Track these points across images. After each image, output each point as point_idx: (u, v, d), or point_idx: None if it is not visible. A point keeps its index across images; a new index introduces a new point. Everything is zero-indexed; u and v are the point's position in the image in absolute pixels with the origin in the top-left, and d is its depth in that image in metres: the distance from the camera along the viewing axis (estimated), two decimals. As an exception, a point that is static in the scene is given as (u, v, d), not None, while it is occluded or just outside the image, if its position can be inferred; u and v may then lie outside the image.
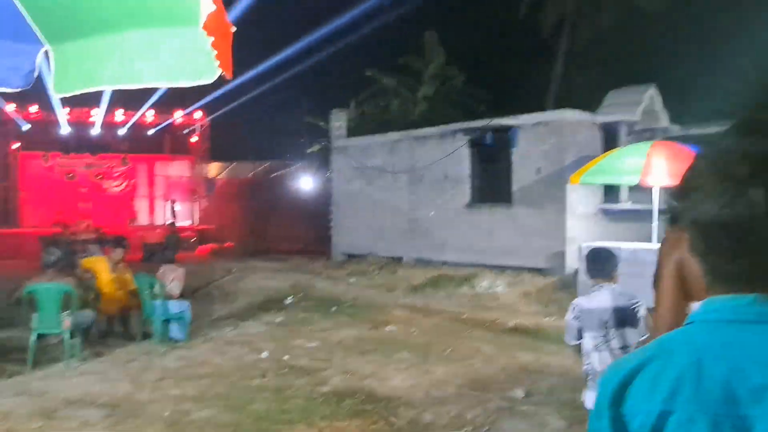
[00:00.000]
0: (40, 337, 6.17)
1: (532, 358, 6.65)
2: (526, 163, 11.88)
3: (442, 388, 5.47)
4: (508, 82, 20.05)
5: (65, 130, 22.20)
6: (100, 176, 18.10)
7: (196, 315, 8.88)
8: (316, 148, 20.63)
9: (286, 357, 6.61)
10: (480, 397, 5.24)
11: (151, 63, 2.08)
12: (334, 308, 9.55)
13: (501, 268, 11.73)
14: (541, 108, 15.05)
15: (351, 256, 15.37)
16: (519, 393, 5.34)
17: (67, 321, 6.11)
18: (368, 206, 15.18)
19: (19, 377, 5.77)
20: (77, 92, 2.29)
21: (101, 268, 7.46)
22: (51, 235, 17.21)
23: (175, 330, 7.31)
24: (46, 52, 2.30)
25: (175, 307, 7.11)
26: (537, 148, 11.75)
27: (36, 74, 2.44)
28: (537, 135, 11.79)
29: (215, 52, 1.81)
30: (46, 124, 23.26)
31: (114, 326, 7.80)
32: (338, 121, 16.63)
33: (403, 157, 14.43)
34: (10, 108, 22.28)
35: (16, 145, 23.17)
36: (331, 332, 7.90)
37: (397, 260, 13.97)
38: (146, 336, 7.21)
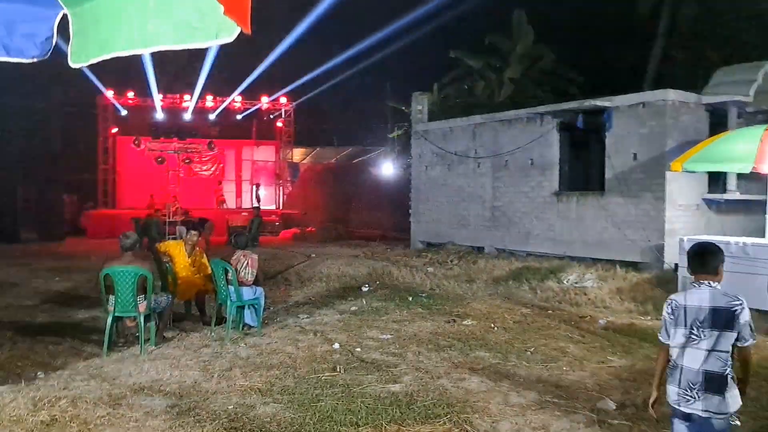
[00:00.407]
0: (117, 319, 6.22)
1: (625, 363, 6.02)
2: (621, 148, 10.98)
3: (523, 394, 5.00)
4: (602, 61, 18.81)
5: (159, 115, 23.13)
6: (188, 160, 18.60)
7: (272, 300, 8.89)
8: (397, 133, 20.31)
9: (357, 350, 6.34)
10: (565, 406, 4.73)
11: (165, 23, 1.80)
12: (410, 298, 9.22)
13: (591, 261, 10.96)
14: (639, 89, 13.93)
15: (430, 245, 14.98)
16: (610, 404, 4.78)
17: (142, 304, 6.11)
18: (449, 193, 14.69)
19: (95, 360, 5.83)
20: (93, 61, 2.06)
21: (178, 252, 7.47)
22: (143, 216, 17.93)
23: (248, 316, 7.22)
24: (63, 17, 2.06)
25: (248, 293, 7.00)
26: (634, 131, 10.82)
27: (54, 41, 2.23)
28: (634, 117, 10.86)
29: (225, 8, 1.49)
30: (141, 109, 24.36)
31: (190, 310, 7.85)
32: (419, 104, 16.18)
33: (486, 141, 13.81)
34: (110, 94, 23.47)
35: (114, 130, 24.42)
36: (405, 324, 7.57)
37: (478, 250, 13.44)
38: (221, 321, 7.16)
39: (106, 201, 24.16)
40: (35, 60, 2.33)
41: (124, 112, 23.86)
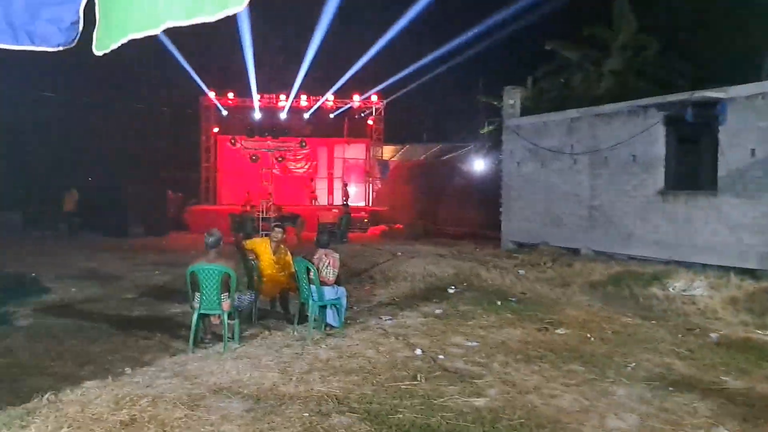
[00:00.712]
0: (203, 316, 6.31)
1: (742, 385, 5.35)
2: (736, 144, 9.97)
3: (623, 417, 4.53)
4: (714, 49, 17.27)
5: (257, 115, 23.88)
6: (281, 158, 19.00)
7: (356, 299, 8.78)
8: (488, 128, 19.72)
9: (440, 357, 6.06)
10: (671, 433, 4.23)
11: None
12: (499, 302, 8.80)
13: (700, 267, 10.04)
14: (757, 78, 12.62)
15: (521, 245, 14.38)
16: (725, 434, 4.22)
17: (226, 302, 6.15)
18: (542, 191, 14.03)
19: (181, 356, 5.92)
20: (114, 47, 1.93)
21: (263, 249, 7.50)
22: (239, 212, 18.53)
23: (330, 316, 7.12)
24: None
25: (330, 293, 6.90)
26: (752, 125, 9.79)
27: (80, 27, 2.11)
28: (753, 109, 9.81)
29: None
30: (240, 109, 25.28)
31: (275, 307, 7.88)
32: (511, 99, 15.58)
33: (583, 136, 13.05)
34: (212, 95, 24.53)
35: (215, 130, 25.50)
36: (493, 330, 7.19)
37: (574, 252, 12.73)
38: (304, 319, 7.11)
39: (207, 198, 25.29)
40: (60, 48, 2.23)
41: (224, 113, 24.85)
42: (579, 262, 11.45)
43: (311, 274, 6.77)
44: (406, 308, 8.38)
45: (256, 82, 22.46)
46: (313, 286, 6.78)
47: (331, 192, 27.36)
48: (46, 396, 4.48)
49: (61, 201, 19.52)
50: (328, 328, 7.06)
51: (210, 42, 25.82)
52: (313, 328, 6.81)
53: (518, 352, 6.27)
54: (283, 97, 24.68)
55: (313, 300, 6.79)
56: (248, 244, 7.73)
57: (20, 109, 23.11)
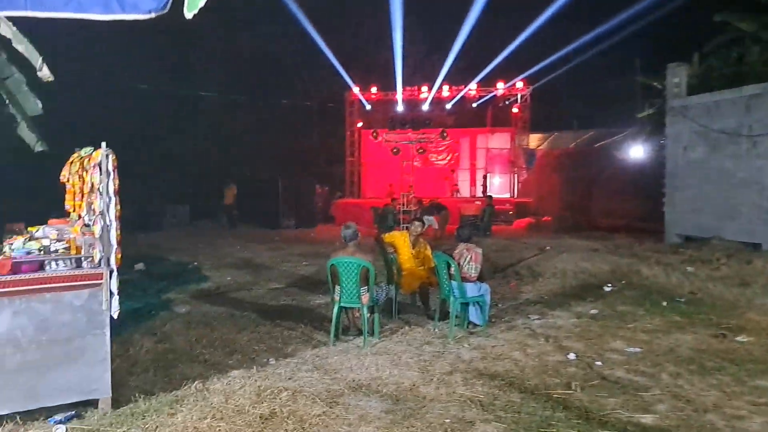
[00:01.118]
0: (344, 309, 6.24)
1: None
2: None
3: (835, 452, 3.68)
4: None
5: (399, 108, 24.00)
6: (422, 150, 18.83)
7: (500, 296, 8.31)
8: (648, 111, 18.00)
9: (597, 363, 5.44)
10: None
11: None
12: (664, 303, 7.85)
13: None
14: None
15: (689, 239, 12.89)
16: None
17: (365, 296, 6.02)
18: (714, 178, 12.46)
19: (323, 349, 5.88)
20: (200, 6, 1.71)
21: (402, 243, 7.31)
22: (382, 205, 18.70)
23: (473, 313, 6.75)
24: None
25: (472, 289, 6.52)
26: None
27: None
28: None
29: None
30: (383, 103, 25.58)
31: (415, 302, 7.66)
32: (676, 77, 14.03)
33: (764, 116, 11.35)
34: (356, 90, 25.08)
35: (359, 124, 26.06)
36: (659, 335, 6.37)
37: (754, 247, 11.13)
38: (445, 315, 6.82)
39: (352, 191, 25.95)
40: (152, 15, 2.08)
41: (368, 107, 25.30)
42: (761, 259, 9.94)
43: (452, 269, 6.44)
44: (556, 307, 7.75)
45: (402, 74, 22.60)
46: (454, 282, 6.44)
47: (473, 183, 26.77)
48: (195, 384, 4.60)
49: (222, 195, 21.01)
50: (470, 326, 6.70)
51: (355, 37, 26.46)
52: (455, 325, 6.48)
53: (691, 362, 5.46)
54: (424, 88, 24.56)
55: (454, 297, 6.46)
56: (387, 237, 7.56)
57: (187, 110, 25.32)
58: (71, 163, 4.85)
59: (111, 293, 4.13)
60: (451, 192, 24.94)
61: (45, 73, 5.32)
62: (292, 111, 28.06)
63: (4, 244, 4.44)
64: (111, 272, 4.12)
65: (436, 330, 6.59)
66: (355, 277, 5.95)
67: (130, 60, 22.64)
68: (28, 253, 4.24)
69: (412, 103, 24.89)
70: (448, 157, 26.25)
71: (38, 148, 6.33)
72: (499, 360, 5.57)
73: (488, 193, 21.55)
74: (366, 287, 6.02)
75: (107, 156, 4.02)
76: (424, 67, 26.98)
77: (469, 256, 6.58)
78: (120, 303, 7.74)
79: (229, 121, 26.32)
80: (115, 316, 4.19)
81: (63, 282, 3.96)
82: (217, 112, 26.05)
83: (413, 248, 7.28)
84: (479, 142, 27.12)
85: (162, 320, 6.80)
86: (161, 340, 5.98)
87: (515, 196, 25.08)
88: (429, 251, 7.29)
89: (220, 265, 11.33)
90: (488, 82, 24.60)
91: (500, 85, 24.50)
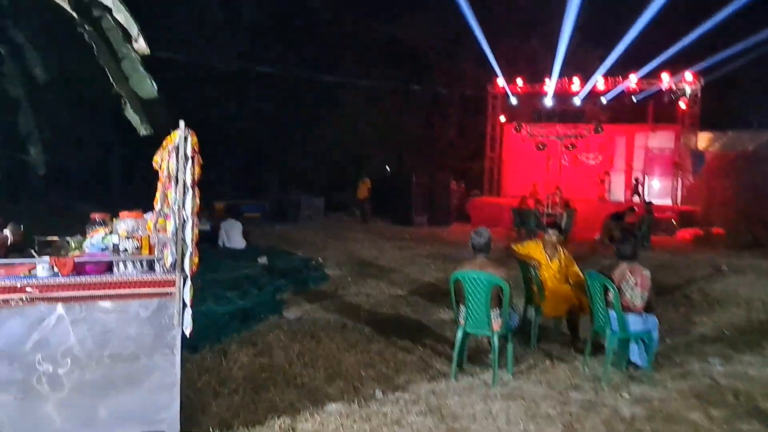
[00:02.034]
0: (469, 335, 5.16)
1: None
2: None
3: None
4: None
5: (548, 101, 22.18)
6: (572, 146, 17.02)
7: (667, 327, 6.70)
8: None
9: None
10: None
11: None
12: None
13: None
14: None
15: None
16: None
17: (497, 321, 4.90)
18: None
19: (441, 382, 4.84)
20: None
21: (539, 255, 6.06)
22: (523, 206, 17.21)
23: (635, 351, 5.35)
24: None
25: (636, 322, 5.13)
26: None
27: None
28: None
29: None
30: (529, 96, 23.86)
31: (559, 328, 6.36)
32: None
33: None
34: (500, 82, 23.63)
35: (502, 119, 24.55)
36: None
37: None
38: (598, 349, 5.49)
39: (490, 189, 24.54)
40: None
41: (513, 100, 23.70)
42: None
43: (610, 295, 5.10)
44: (744, 349, 6.05)
45: (562, 64, 20.91)
46: (612, 312, 5.10)
47: (628, 186, 24.15)
48: (281, 421, 3.80)
49: (356, 188, 20.69)
50: (631, 368, 5.32)
51: (502, 25, 24.99)
52: (611, 365, 5.14)
53: None
54: (575, 79, 22.51)
55: (611, 330, 5.12)
56: (522, 248, 6.30)
57: (326, 100, 25.39)
58: (164, 147, 4.27)
59: (183, 304, 3.42)
60: (600, 195, 22.64)
61: (141, 46, 4.84)
62: (431, 103, 27.20)
63: (87, 236, 3.91)
64: (185, 279, 3.40)
65: (586, 369, 5.29)
66: (485, 297, 4.85)
67: (268, 47, 23.01)
68: (104, 249, 3.67)
69: (562, 96, 22.91)
70: (600, 157, 23.91)
71: (143, 132, 5.95)
72: (672, 423, 4.20)
73: (648, 200, 19.14)
74: (499, 310, 4.90)
75: (186, 138, 3.30)
76: (577, 57, 24.86)
77: (634, 280, 5.19)
78: (235, 300, 7.39)
79: (367, 112, 26.05)
80: (188, 333, 3.48)
81: (129, 288, 3.30)
82: (356, 103, 25.86)
83: (550, 261, 6.01)
84: (637, 141, 24.39)
85: (268, 327, 6.16)
86: (260, 352, 5.29)
87: (678, 203, 22.20)
88: (576, 266, 5.99)
89: (343, 263, 10.71)
90: (651, 74, 22.00)
91: (665, 77, 21.77)
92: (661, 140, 24.07)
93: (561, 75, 22.63)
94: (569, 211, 15.76)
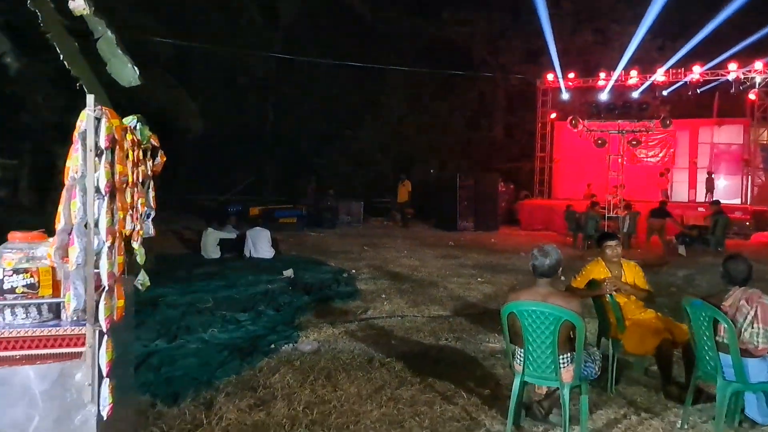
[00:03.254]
0: (528, 384, 3.92)
1: None
2: None
3: None
4: None
5: (605, 95, 20.54)
6: (635, 141, 15.37)
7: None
8: None
9: None
10: None
11: None
12: None
13: None
14: None
15: None
16: None
17: (567, 369, 3.65)
18: None
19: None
20: None
21: (599, 276, 4.76)
22: (577, 209, 15.71)
23: (753, 405, 4.01)
24: None
25: (758, 370, 3.78)
26: None
27: None
28: None
29: None
30: (583, 91, 22.23)
31: (644, 367, 5.02)
32: None
33: None
34: (550, 77, 22.09)
35: (552, 115, 22.96)
36: None
37: None
38: (699, 397, 4.18)
39: (541, 190, 22.98)
40: None
41: (565, 96, 22.09)
42: None
43: (722, 331, 3.78)
44: None
45: (631, 56, 19.35)
46: (725, 356, 3.77)
47: (693, 185, 22.21)
48: None
49: (396, 191, 19.56)
50: (746, 425, 3.98)
51: (553, 16, 23.49)
52: (723, 421, 3.82)
53: None
54: (633, 72, 20.80)
55: (723, 378, 3.79)
56: (580, 280, 4.91)
57: (366, 103, 24.38)
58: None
59: (100, 372, 2.29)
60: (661, 195, 20.77)
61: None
62: (476, 100, 25.81)
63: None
64: (101, 334, 2.28)
65: (686, 426, 3.98)
66: (551, 338, 3.60)
67: (306, 47, 22.20)
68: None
69: (618, 91, 21.19)
70: (661, 153, 22.06)
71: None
72: None
73: (716, 199, 17.34)
74: (570, 355, 3.65)
75: (98, 120, 2.20)
76: (638, 49, 23.11)
77: (752, 310, 3.84)
78: (246, 325, 6.27)
79: (409, 111, 24.93)
80: (105, 414, 2.33)
81: (15, 349, 2.22)
82: (397, 102, 24.77)
83: (615, 282, 4.70)
84: (702, 136, 22.45)
85: (277, 362, 5.03)
86: (258, 402, 4.15)
87: (748, 202, 20.18)
88: (642, 278, 4.71)
89: (379, 276, 9.57)
90: (716, 65, 20.09)
91: (732, 66, 19.81)
92: (728, 135, 22.09)
93: (613, 69, 21.07)
94: (632, 213, 14.17)
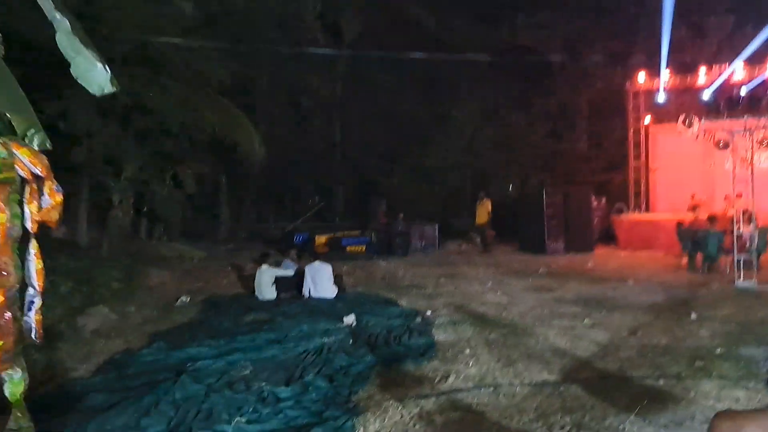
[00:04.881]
0: None
1: None
2: None
3: None
4: None
5: (708, 94, 18.05)
6: (766, 142, 12.93)
7: None
8: None
9: None
10: None
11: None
12: None
13: None
14: None
15: None
16: None
17: None
18: None
19: None
20: None
21: None
22: (686, 222, 13.39)
23: None
24: None
25: None
26: None
27: None
28: None
29: None
30: (680, 91, 19.76)
31: None
32: None
33: None
34: (641, 79, 19.81)
35: (647, 120, 20.54)
36: None
37: None
38: None
39: (637, 203, 20.49)
40: None
41: (661, 98, 19.64)
42: None
43: None
44: None
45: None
46: None
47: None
48: None
49: (474, 211, 17.79)
50: None
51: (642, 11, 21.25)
52: None
53: None
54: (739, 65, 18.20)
55: None
56: None
57: (438, 119, 22.85)
58: None
59: None
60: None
61: None
62: (557, 110, 23.70)
63: None
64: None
65: None
66: None
67: (371, 65, 21.07)
68: None
69: (722, 88, 18.58)
70: (780, 157, 19.10)
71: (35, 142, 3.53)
72: None
73: None
74: None
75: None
76: (734, 42, 20.46)
77: None
78: (288, 407, 4.45)
79: (484, 127, 23.18)
80: None
81: None
82: (471, 118, 23.10)
83: None
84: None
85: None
86: None
87: None
88: None
89: (459, 319, 7.86)
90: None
91: None
92: None
93: (712, 63, 18.58)
94: (762, 230, 11.73)
